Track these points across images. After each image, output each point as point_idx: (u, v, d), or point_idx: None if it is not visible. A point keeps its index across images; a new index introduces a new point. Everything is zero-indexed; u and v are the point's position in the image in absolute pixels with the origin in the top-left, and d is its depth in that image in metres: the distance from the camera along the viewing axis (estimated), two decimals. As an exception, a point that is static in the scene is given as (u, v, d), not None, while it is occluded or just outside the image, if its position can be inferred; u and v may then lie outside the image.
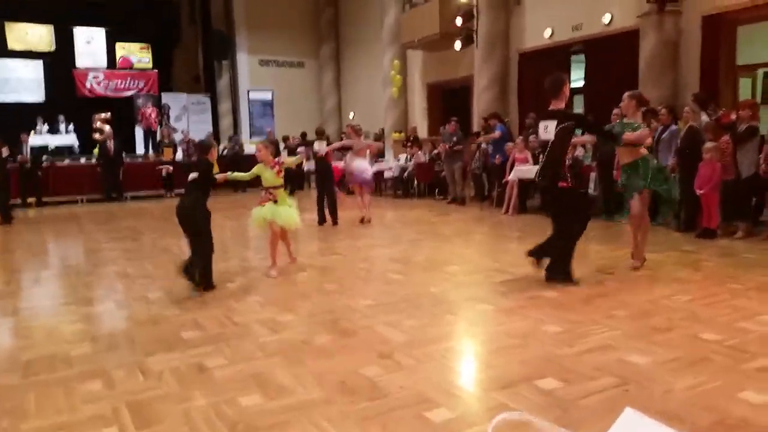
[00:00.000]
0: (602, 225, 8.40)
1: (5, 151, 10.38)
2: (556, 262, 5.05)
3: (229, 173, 5.79)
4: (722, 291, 4.69)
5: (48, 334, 4.14)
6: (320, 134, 9.78)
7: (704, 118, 7.65)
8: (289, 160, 6.71)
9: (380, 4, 15.86)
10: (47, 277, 6.26)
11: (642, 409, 2.69)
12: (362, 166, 9.28)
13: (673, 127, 7.92)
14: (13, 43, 18.76)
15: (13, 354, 3.75)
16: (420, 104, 15.94)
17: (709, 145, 7.08)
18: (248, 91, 18.75)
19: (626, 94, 5.45)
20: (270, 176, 5.74)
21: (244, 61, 18.79)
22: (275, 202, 5.70)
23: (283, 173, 5.86)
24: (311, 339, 3.79)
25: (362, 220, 9.11)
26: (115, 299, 5.06)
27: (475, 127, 12.54)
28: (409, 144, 13.72)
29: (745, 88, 9.68)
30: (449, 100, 15.30)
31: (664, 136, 7.97)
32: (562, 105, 5.08)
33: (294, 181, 12.13)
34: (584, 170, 9.14)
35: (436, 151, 13.09)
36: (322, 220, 9.15)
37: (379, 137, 15.66)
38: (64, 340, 3.97)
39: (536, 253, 5.14)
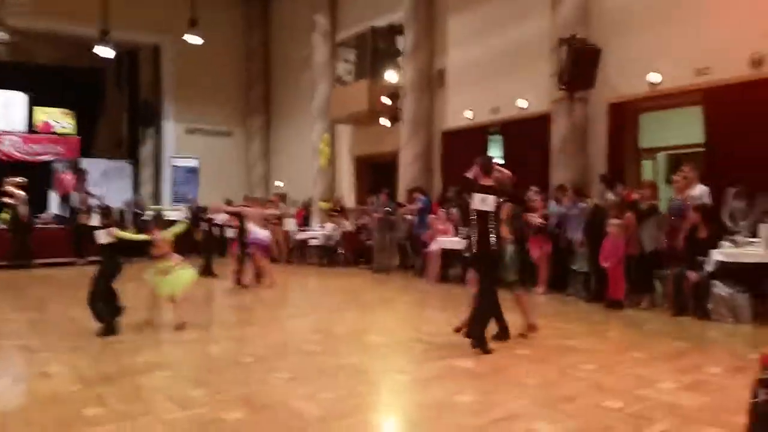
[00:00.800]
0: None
1: None
2: (475, 326, 5.31)
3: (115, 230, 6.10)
4: (626, 360, 4.94)
5: (-69, 414, 3.81)
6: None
7: (610, 196, 8.24)
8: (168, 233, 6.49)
9: (311, 81, 16.38)
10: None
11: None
12: (260, 233, 9.52)
13: (581, 204, 8.46)
14: None
15: None
16: (348, 175, 16.27)
17: (613, 221, 7.59)
18: (170, 158, 18.53)
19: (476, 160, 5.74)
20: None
21: (170, 128, 18.67)
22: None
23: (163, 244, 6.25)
24: (223, 416, 3.67)
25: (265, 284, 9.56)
26: (13, 374, 4.73)
27: (401, 199, 12.90)
28: (336, 213, 13.88)
29: (647, 169, 10.52)
30: (376, 173, 15.71)
31: (572, 212, 8.50)
32: (490, 182, 5.50)
33: (213, 248, 11.92)
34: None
35: (362, 221, 13.30)
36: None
37: (307, 206, 15.76)
38: (-50, 420, 3.66)
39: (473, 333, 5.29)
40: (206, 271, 10.87)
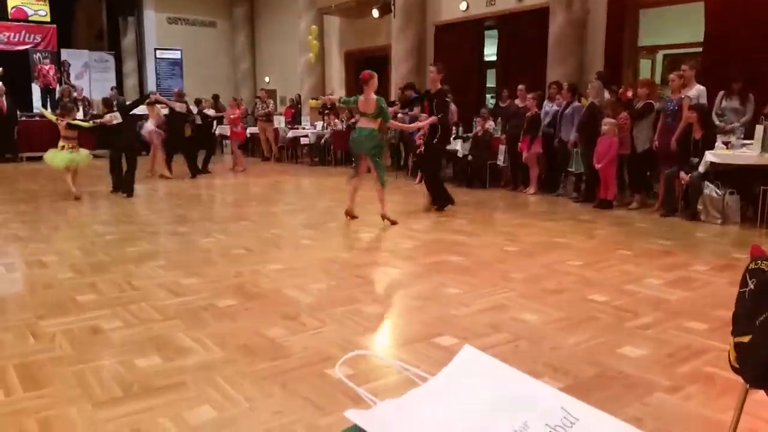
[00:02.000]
0: (509, 195, 8.75)
1: None
2: (436, 195, 7.32)
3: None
4: (613, 257, 5.03)
5: (-75, 299, 3.84)
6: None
7: (607, 96, 8.07)
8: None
9: (297, -34, 15.47)
10: None
11: (530, 362, 2.89)
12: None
13: (576, 103, 8.30)
14: None
15: None
16: (338, 71, 15.78)
17: (607, 120, 7.48)
18: (155, 50, 17.81)
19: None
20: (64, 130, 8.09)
21: (151, 18, 17.80)
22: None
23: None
24: (215, 302, 3.74)
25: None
26: (5, 263, 4.75)
27: (393, 97, 12.59)
28: (327, 111, 13.58)
29: (644, 69, 10.27)
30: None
31: (566, 112, 8.35)
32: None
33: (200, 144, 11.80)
34: (494, 142, 9.43)
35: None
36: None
37: (296, 103, 15.40)
38: (-56, 305, 3.70)
39: (434, 202, 7.29)
40: (195, 168, 10.80)
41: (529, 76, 9.77)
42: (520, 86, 9.10)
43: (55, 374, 2.72)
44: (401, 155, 11.66)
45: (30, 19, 18.82)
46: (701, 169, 6.56)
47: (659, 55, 10.56)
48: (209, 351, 3.00)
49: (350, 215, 6.60)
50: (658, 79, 9.89)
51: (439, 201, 7.31)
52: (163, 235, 5.89)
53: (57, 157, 8.03)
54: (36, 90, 16.54)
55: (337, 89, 15.53)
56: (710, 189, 6.51)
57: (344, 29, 15.30)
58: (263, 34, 18.61)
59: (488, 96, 12.47)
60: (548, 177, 8.86)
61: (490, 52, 11.88)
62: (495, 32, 11.53)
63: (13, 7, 18.52)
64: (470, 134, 9.69)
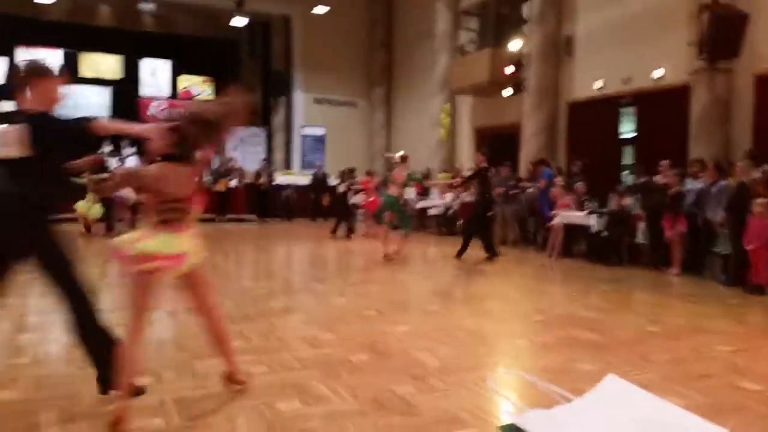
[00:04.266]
0: (649, 274, 8.32)
1: None
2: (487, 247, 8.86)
3: None
4: (766, 345, 4.61)
5: (103, 335, 4.40)
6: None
7: (756, 174, 7.57)
8: None
9: (432, 51, 16.35)
10: (105, 285, 6.60)
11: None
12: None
13: (722, 182, 7.86)
14: (84, 71, 20.10)
15: (71, 349, 3.99)
16: (467, 147, 16.16)
17: (760, 200, 6.99)
18: (302, 127, 19.38)
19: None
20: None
21: (300, 98, 19.49)
22: None
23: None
24: (348, 357, 3.93)
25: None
26: (166, 309, 5.31)
27: (522, 172, 12.66)
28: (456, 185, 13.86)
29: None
30: (495, 145, 15.48)
31: (713, 190, 7.92)
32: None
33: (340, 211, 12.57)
34: (632, 218, 9.10)
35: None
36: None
37: (426, 176, 15.87)
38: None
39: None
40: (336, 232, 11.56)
41: (668, 153, 9.42)
42: (663, 162, 8.77)
43: (208, 409, 3.00)
44: (529, 229, 11.54)
45: (196, 98, 21.44)
46: None
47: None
48: (343, 400, 3.16)
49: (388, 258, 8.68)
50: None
51: (491, 252, 9.00)
52: (303, 293, 6.27)
53: None
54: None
55: (465, 164, 15.86)
56: None
57: (475, 107, 15.77)
58: (398, 112, 19.64)
59: (624, 173, 12.12)
60: (692, 257, 8.32)
61: (627, 129, 11.64)
62: (631, 109, 11.33)
63: (182, 89, 21.26)
64: (605, 209, 9.43)
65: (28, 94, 2.93)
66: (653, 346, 4.47)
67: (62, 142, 2.91)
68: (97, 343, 3.04)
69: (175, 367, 3.63)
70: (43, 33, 18.85)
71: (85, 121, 2.84)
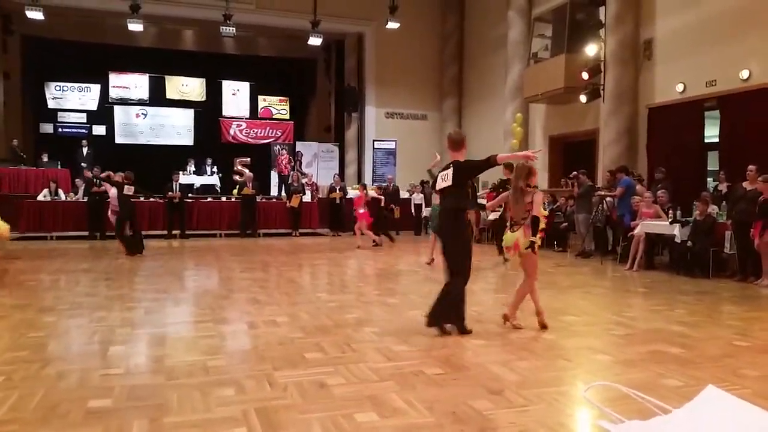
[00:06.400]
0: (736, 286, 7.87)
1: (130, 190, 11.25)
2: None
3: None
4: None
5: (188, 345, 4.63)
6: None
7: None
8: None
9: (504, 60, 16.19)
10: (188, 298, 6.94)
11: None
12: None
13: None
14: (171, 94, 21.28)
15: (159, 360, 4.22)
16: (541, 157, 15.83)
17: None
18: (373, 141, 19.64)
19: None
20: None
21: (371, 113, 19.79)
22: None
23: None
24: (423, 370, 3.93)
25: None
26: (247, 321, 5.52)
27: (600, 181, 12.28)
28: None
29: None
30: (571, 153, 15.10)
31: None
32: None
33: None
34: (718, 227, 8.63)
35: (557, 203, 12.93)
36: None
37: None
38: (202, 351, 4.41)
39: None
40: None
41: (756, 158, 8.88)
42: (751, 167, 8.30)
43: (288, 420, 3.09)
44: (608, 240, 11.17)
45: (274, 117, 22.26)
46: None
47: None
48: (420, 413, 3.17)
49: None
50: None
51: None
52: (376, 305, 6.34)
53: None
54: (274, 176, 19.19)
55: (539, 173, 15.53)
56: None
57: (549, 115, 15.46)
58: (470, 122, 19.54)
59: (710, 179, 11.53)
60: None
61: (711, 134, 11.08)
62: (716, 113, 10.77)
63: (261, 108, 22.12)
64: (689, 218, 8.99)
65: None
66: (743, 361, 4.22)
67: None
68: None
69: (256, 378, 3.75)
70: (132, 59, 20.16)
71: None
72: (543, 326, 5.18)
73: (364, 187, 13.78)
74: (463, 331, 4.96)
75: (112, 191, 11.10)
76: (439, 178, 5.20)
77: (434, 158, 8.08)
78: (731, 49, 10.18)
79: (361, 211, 12.80)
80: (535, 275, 5.34)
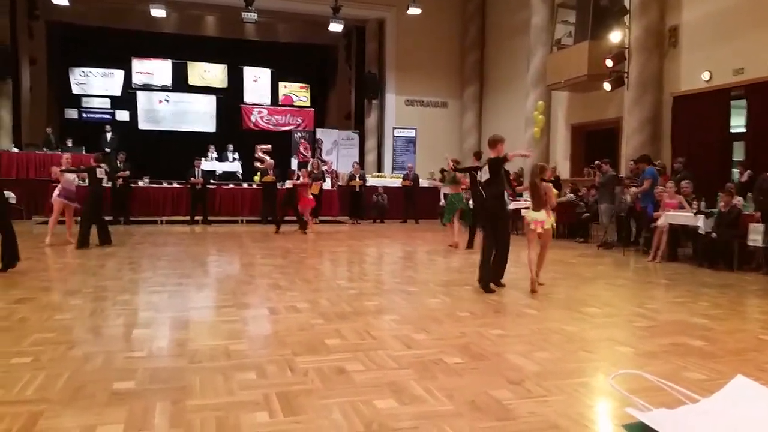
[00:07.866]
0: (762, 279, 7.75)
1: (101, 172, 10.25)
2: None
3: None
4: None
5: (211, 330, 4.69)
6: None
7: None
8: None
9: (527, 46, 15.99)
10: (211, 283, 7.03)
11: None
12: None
13: None
14: (193, 80, 21.41)
15: (182, 343, 4.29)
16: (563, 145, 15.68)
17: None
18: (393, 129, 19.59)
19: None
20: None
21: (391, 100, 19.72)
22: None
23: None
24: (443, 358, 3.95)
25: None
26: (268, 306, 5.58)
27: (623, 170, 12.13)
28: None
29: None
30: (593, 142, 14.91)
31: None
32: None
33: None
34: (744, 219, 8.48)
35: (579, 193, 12.80)
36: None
37: (519, 176, 15.57)
38: (224, 336, 4.46)
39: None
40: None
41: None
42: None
43: (308, 404, 3.12)
44: (630, 231, 11.04)
45: (294, 104, 22.28)
46: None
47: None
48: (439, 402, 3.18)
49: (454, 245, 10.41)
50: None
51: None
52: (396, 293, 6.36)
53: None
54: (294, 163, 19.25)
55: (561, 162, 15.39)
56: None
57: (572, 103, 15.27)
58: (490, 111, 19.39)
59: (735, 170, 11.32)
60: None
61: (738, 124, 10.86)
62: (743, 102, 10.55)
63: (282, 95, 22.16)
64: (714, 210, 8.85)
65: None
66: (769, 356, 4.16)
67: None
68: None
69: (277, 363, 3.80)
70: (155, 45, 20.31)
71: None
72: (533, 291, 6.42)
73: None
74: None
75: (68, 176, 10.20)
76: (481, 172, 6.94)
77: (447, 160, 10.02)
78: (760, 36, 9.94)
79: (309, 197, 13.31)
80: (547, 248, 6.80)
